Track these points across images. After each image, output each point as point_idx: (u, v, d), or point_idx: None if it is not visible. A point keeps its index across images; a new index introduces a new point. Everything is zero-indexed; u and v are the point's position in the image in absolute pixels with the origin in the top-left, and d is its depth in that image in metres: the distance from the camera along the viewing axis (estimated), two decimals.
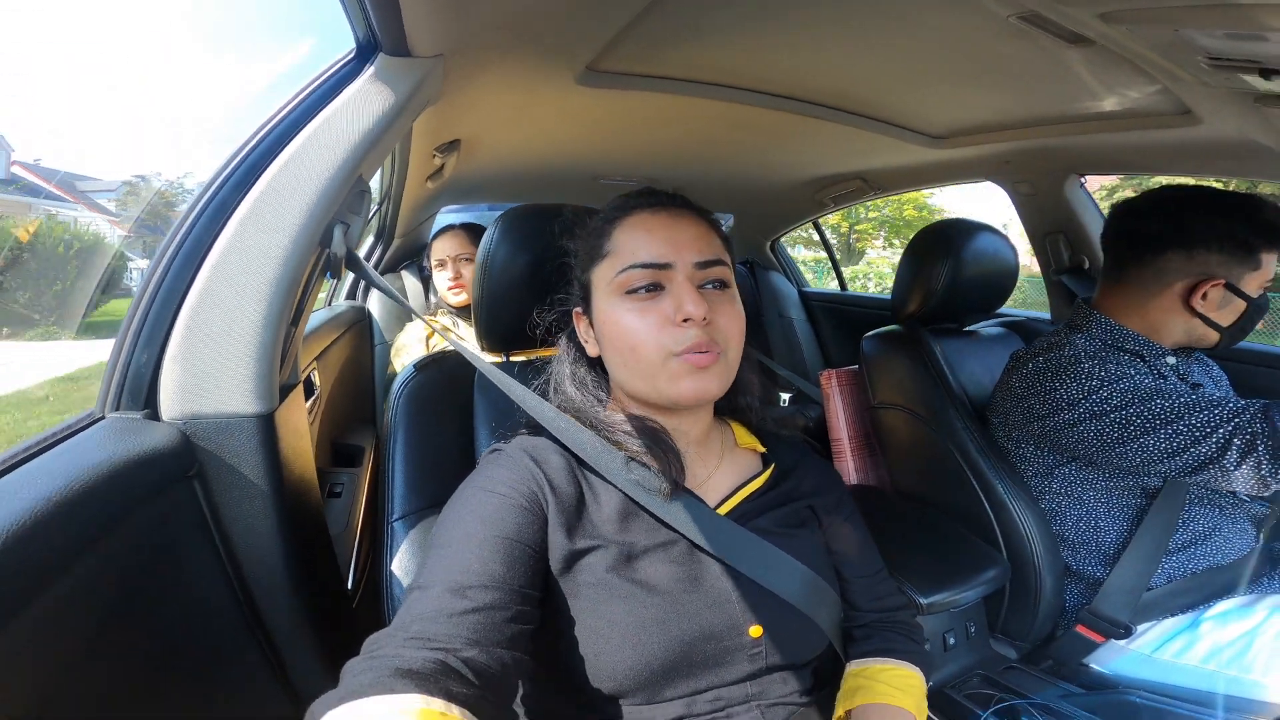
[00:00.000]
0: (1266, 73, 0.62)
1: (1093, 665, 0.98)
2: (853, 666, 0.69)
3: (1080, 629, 0.98)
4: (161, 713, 0.59)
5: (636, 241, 0.64)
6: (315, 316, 1.50)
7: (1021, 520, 1.03)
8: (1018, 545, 1.03)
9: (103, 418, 0.66)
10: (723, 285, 0.65)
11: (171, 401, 0.68)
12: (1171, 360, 1.00)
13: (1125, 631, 0.95)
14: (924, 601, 0.90)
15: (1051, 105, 1.05)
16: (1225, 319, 0.96)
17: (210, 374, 0.69)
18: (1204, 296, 0.95)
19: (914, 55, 0.93)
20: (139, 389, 0.68)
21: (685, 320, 0.60)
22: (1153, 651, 0.93)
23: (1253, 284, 0.94)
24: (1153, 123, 0.97)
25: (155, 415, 0.68)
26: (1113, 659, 0.96)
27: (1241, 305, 0.94)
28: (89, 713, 0.50)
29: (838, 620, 0.69)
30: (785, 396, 2.38)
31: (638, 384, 0.64)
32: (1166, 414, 0.86)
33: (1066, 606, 1.02)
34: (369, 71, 0.74)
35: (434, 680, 0.43)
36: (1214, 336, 0.97)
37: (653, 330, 0.61)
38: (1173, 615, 0.95)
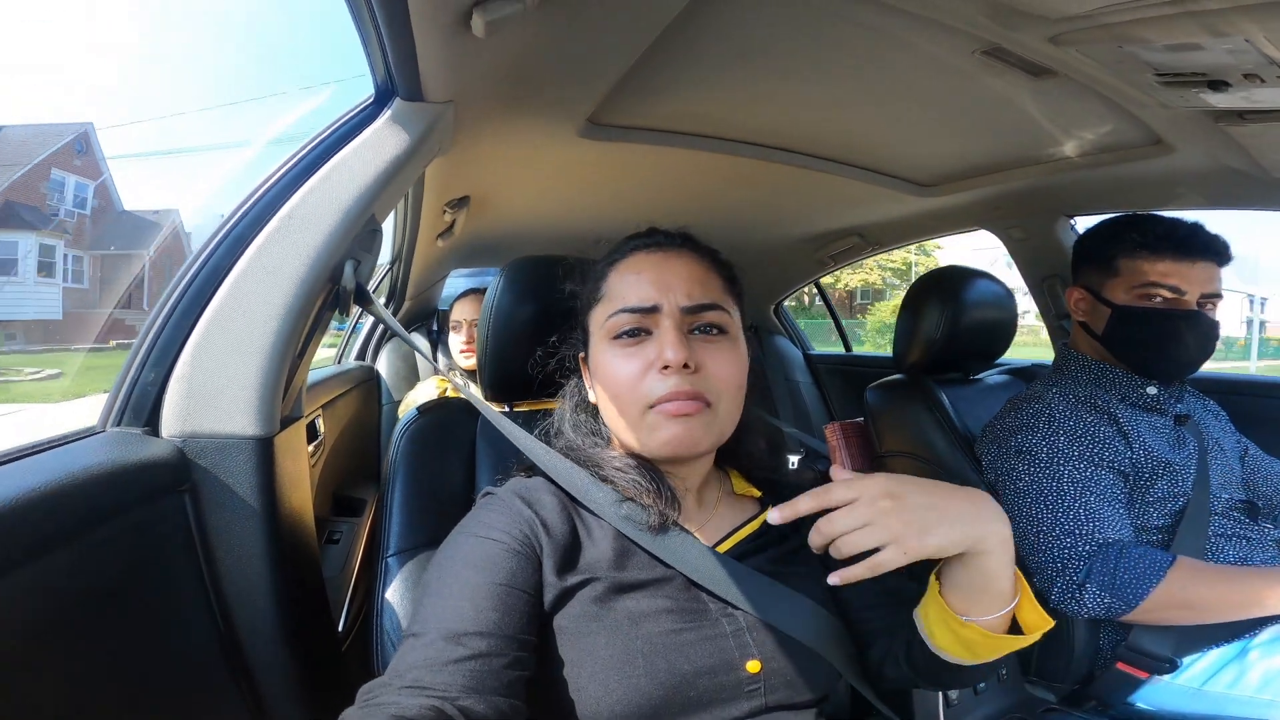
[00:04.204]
0: (1215, 84, 0.66)
1: (1139, 703, 0.91)
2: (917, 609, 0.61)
3: (1121, 666, 0.91)
4: None
5: (627, 285, 0.64)
6: (323, 371, 1.53)
7: None
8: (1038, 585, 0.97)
9: (102, 431, 0.67)
10: (718, 330, 0.63)
11: (172, 420, 0.69)
12: (1152, 391, 1.02)
13: (1170, 665, 0.88)
14: None
15: (1029, 145, 1.11)
16: (1099, 326, 1.02)
17: (213, 394, 0.70)
18: (1080, 306, 1.05)
19: (892, 100, 0.99)
20: (143, 406, 0.69)
21: (665, 367, 0.59)
22: (1202, 684, 0.87)
23: (1116, 290, 0.98)
24: (1129, 155, 1.02)
25: (155, 432, 0.69)
26: (1160, 695, 0.90)
27: (1108, 311, 0.99)
28: (26, 708, 0.47)
29: (849, 655, 0.65)
30: (794, 459, 2.34)
31: (624, 435, 0.64)
32: (1053, 522, 0.92)
33: (1102, 645, 0.96)
34: (385, 115, 0.80)
35: None
36: (1101, 349, 1.03)
37: (635, 378, 0.60)
38: (1217, 645, 0.89)
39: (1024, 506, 0.95)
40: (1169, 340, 0.96)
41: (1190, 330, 0.95)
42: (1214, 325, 0.96)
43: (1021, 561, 1.00)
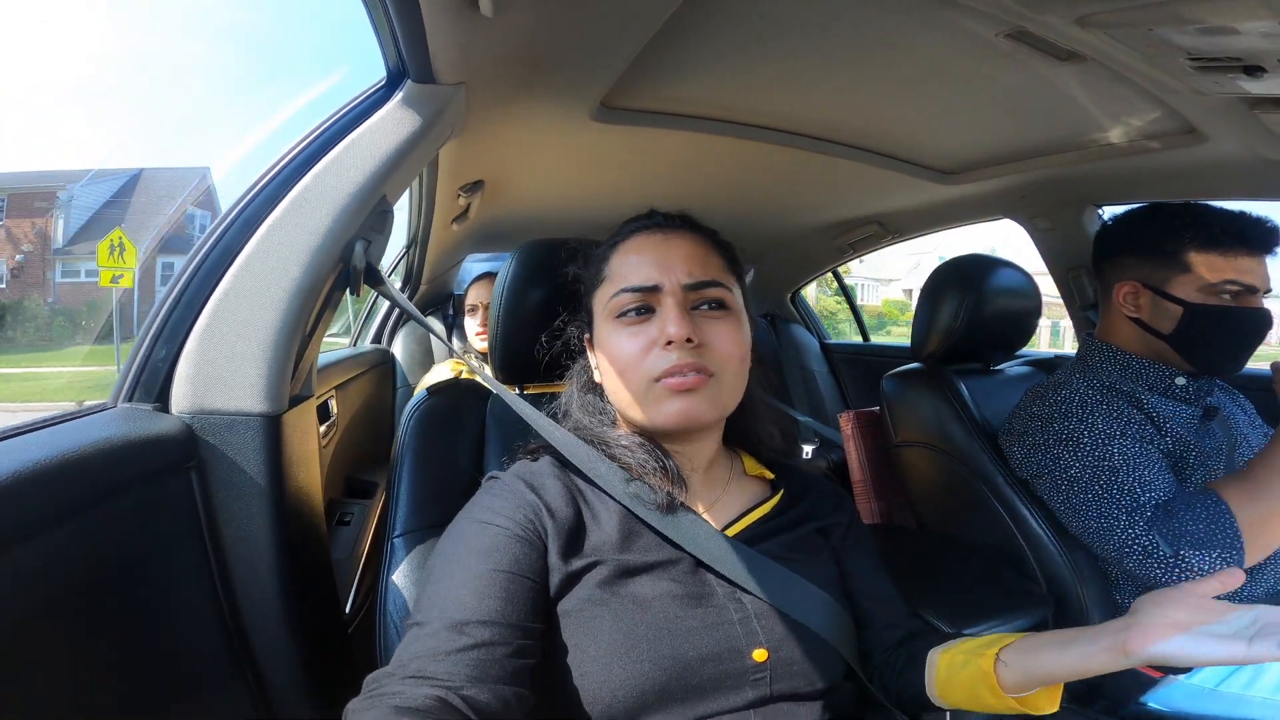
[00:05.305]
0: (1251, 70, 0.62)
1: (1151, 703, 0.89)
2: (938, 654, 0.62)
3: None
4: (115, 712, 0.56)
5: (629, 265, 0.65)
6: (338, 353, 1.55)
7: (1061, 554, 0.97)
8: (1059, 581, 0.96)
9: (113, 407, 0.68)
10: (719, 305, 0.64)
11: (182, 396, 0.70)
12: (1181, 381, 0.98)
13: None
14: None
15: (1057, 132, 1.07)
16: (1164, 325, 0.95)
17: (222, 371, 0.71)
18: (1131, 301, 0.99)
19: (913, 85, 0.96)
20: (153, 383, 0.70)
21: (669, 343, 0.60)
22: (1217, 684, 0.85)
23: (1186, 287, 0.93)
24: (1161, 144, 0.98)
25: (165, 409, 0.70)
26: (1174, 695, 0.88)
27: (1178, 310, 0.93)
28: (24, 689, 0.47)
29: (854, 645, 0.65)
30: (808, 449, 2.32)
31: (629, 411, 0.64)
32: (1115, 506, 0.89)
33: None
34: (397, 97, 0.79)
35: (436, 718, 0.43)
36: (1163, 346, 0.97)
37: (639, 354, 0.61)
38: None
39: (1081, 494, 0.92)
40: (1245, 338, 0.93)
41: (1265, 327, 0.93)
42: (1272, 320, 0.94)
43: (1088, 551, 0.97)
